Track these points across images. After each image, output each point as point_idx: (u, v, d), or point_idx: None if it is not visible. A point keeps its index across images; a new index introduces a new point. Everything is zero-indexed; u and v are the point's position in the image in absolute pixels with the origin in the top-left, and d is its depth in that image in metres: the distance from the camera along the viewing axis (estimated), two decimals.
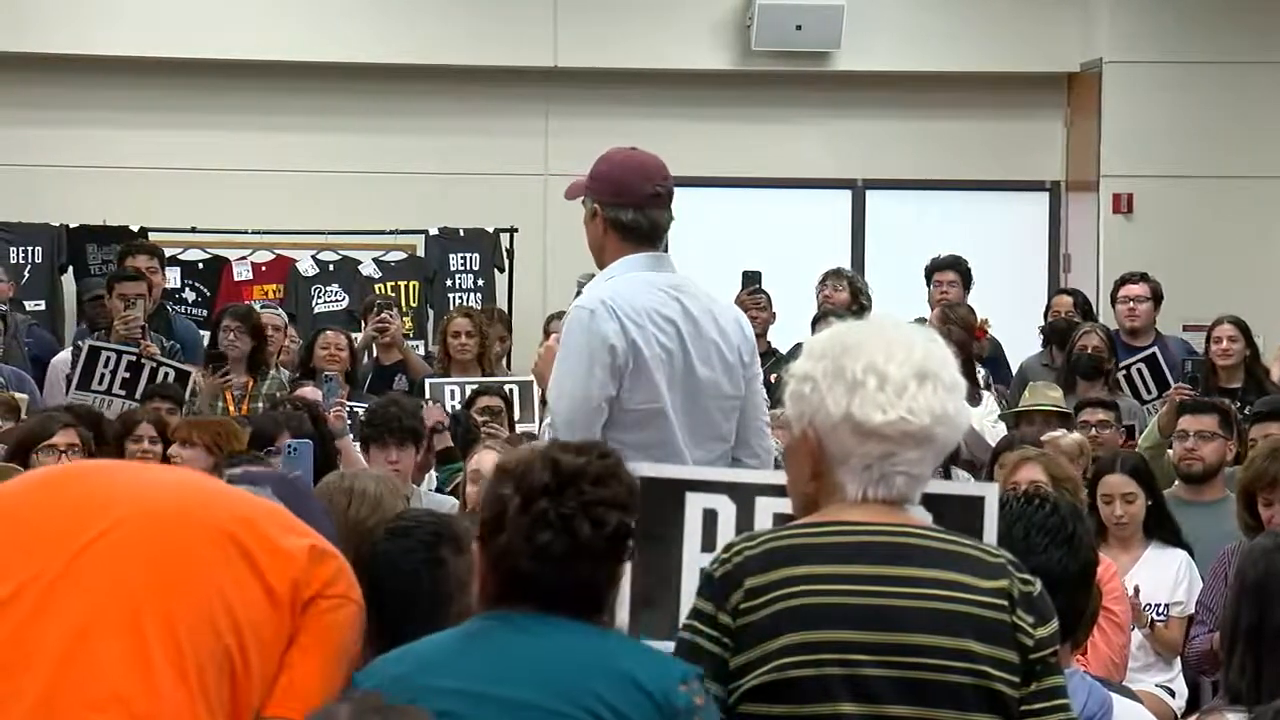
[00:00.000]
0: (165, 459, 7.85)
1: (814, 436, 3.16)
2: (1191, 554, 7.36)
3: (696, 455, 5.31)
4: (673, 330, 5.35)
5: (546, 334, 9.10)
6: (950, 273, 11.53)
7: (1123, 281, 11.11)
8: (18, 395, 9.22)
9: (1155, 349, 10.43)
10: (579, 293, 5.58)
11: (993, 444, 8.44)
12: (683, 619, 3.21)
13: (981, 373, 10.45)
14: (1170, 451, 8.48)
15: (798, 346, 11.95)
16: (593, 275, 5.55)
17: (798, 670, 3.02)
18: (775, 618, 3.04)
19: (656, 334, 5.32)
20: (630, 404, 5.27)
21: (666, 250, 5.55)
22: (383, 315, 10.70)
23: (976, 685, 3.04)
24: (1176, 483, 8.28)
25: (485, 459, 6.66)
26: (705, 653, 3.09)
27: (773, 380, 10.80)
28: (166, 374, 9.55)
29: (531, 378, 9.97)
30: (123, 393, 9.43)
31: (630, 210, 5.44)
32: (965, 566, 3.10)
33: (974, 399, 9.84)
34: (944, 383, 3.17)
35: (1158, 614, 7.26)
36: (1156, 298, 10.99)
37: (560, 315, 8.90)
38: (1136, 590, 7.07)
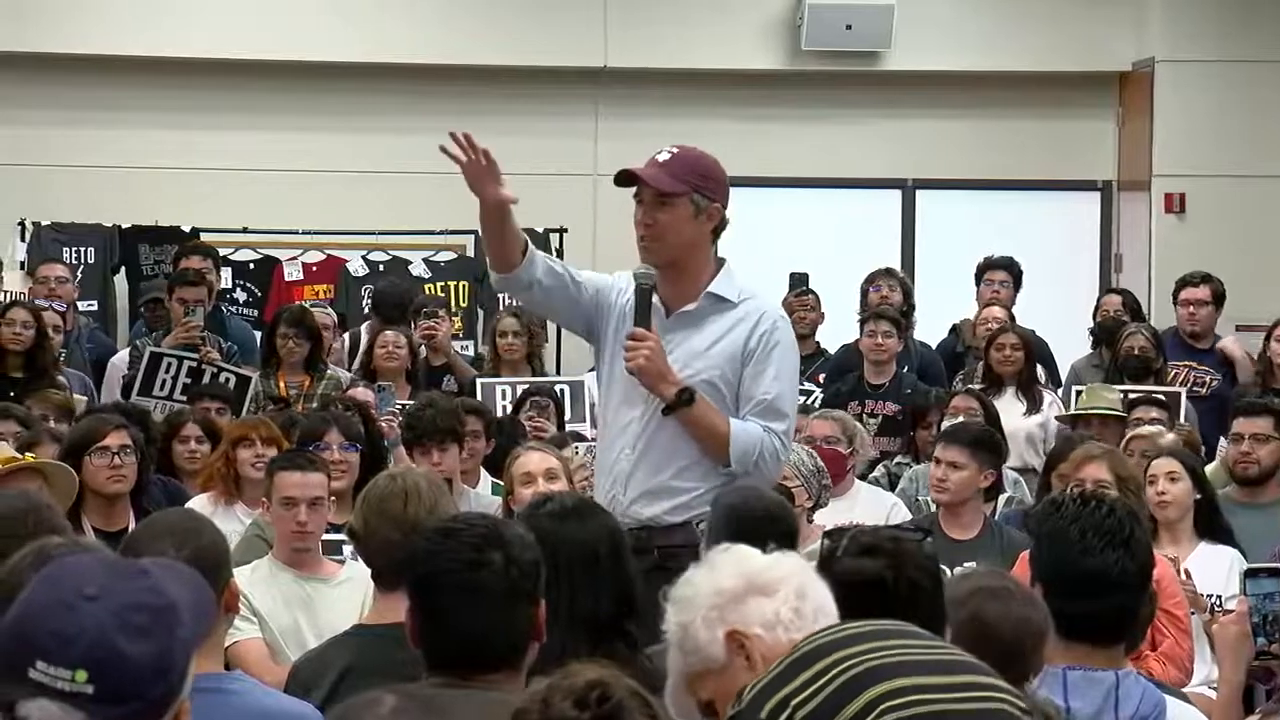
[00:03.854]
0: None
1: None
2: (1245, 555, 7.30)
3: None
4: None
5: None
6: (1002, 273, 11.51)
7: (1184, 284, 11.01)
8: (77, 397, 9.22)
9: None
10: (649, 286, 5.40)
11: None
12: None
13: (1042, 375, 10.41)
14: (1223, 454, 8.40)
15: (844, 349, 11.87)
16: (650, 271, 5.43)
17: (892, 714, 2.78)
18: (841, 689, 2.82)
19: None
20: None
21: None
22: (429, 323, 10.70)
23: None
24: (1230, 485, 8.22)
25: (530, 460, 6.61)
26: None
27: (820, 380, 10.80)
28: (228, 379, 9.54)
29: (583, 378, 9.96)
30: (183, 399, 9.38)
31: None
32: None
33: (1035, 402, 9.84)
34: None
35: (1213, 605, 7.20)
36: (1218, 299, 10.91)
37: None
38: (1188, 574, 7.00)
